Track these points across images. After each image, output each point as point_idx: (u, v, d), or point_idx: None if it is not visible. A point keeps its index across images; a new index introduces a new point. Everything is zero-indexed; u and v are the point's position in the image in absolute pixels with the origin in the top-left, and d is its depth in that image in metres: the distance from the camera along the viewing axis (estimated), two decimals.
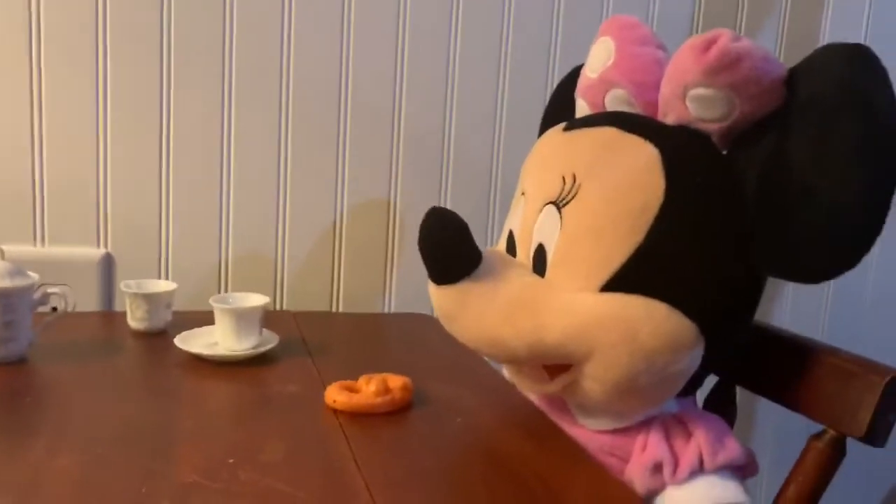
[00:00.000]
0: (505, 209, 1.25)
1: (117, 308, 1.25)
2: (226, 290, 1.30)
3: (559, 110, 1.04)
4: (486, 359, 0.99)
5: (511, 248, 0.88)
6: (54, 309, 1.03)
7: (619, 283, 0.75)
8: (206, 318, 1.08)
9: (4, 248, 1.17)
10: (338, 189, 1.33)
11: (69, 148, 1.20)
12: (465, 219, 0.79)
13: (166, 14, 1.20)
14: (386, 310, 1.39)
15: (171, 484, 0.64)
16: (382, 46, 1.31)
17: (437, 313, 0.83)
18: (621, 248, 0.76)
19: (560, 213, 0.79)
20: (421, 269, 0.81)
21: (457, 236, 0.78)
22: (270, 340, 1.02)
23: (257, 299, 1.02)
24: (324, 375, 0.94)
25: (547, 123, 1.09)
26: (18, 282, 0.90)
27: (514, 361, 0.84)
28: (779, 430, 1.56)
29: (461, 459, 0.76)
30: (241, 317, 0.97)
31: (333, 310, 1.36)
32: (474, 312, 0.78)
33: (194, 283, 1.27)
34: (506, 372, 1.05)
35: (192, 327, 1.04)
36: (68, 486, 0.63)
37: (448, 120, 1.36)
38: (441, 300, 0.81)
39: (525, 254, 0.84)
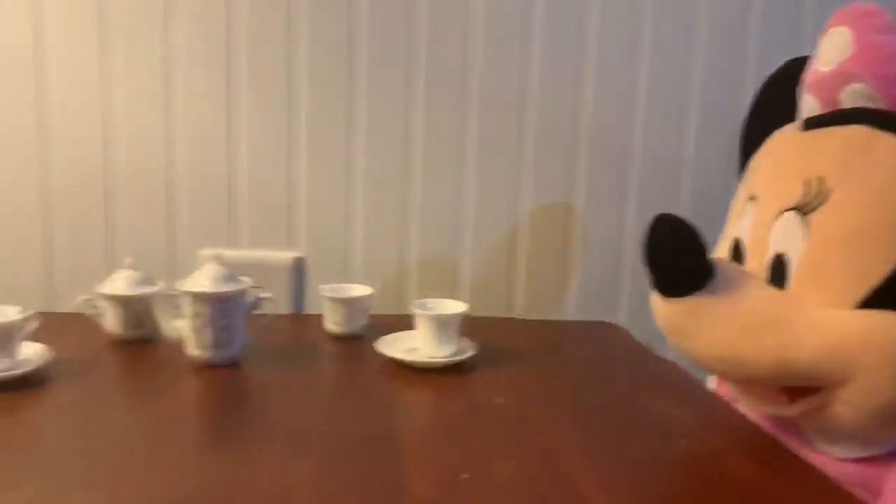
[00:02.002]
0: (695, 215, 1.18)
1: (308, 309, 1.27)
2: (410, 293, 1.30)
3: (773, 108, 0.96)
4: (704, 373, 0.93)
5: (736, 256, 0.82)
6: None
7: (880, 298, 0.68)
8: (399, 322, 1.08)
9: (202, 252, 1.23)
10: (519, 194, 1.30)
11: (263, 157, 1.23)
12: None
13: (357, 19, 1.22)
14: (565, 316, 1.35)
15: (412, 499, 0.62)
16: (566, 50, 1.27)
17: (662, 327, 0.78)
18: (883, 260, 0.68)
19: (805, 220, 0.73)
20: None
21: (689, 246, 0.73)
22: (469, 348, 1.00)
23: (456, 306, 1.01)
24: (524, 386, 0.92)
25: (756, 123, 1.01)
26: (234, 286, 0.92)
27: (753, 381, 0.78)
28: None
29: (690, 482, 0.70)
30: (443, 323, 0.96)
31: (512, 315, 1.34)
32: (708, 328, 0.73)
33: (379, 286, 1.28)
34: (711, 384, 0.99)
35: (386, 331, 1.05)
36: (309, 497, 0.63)
37: (634, 123, 1.30)
38: (669, 314, 0.76)
39: (757, 263, 0.78)
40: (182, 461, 0.68)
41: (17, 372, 0.84)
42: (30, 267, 1.21)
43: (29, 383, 0.85)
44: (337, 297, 1.07)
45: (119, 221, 1.22)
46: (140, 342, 1.01)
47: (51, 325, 0.94)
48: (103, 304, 1.00)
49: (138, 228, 1.22)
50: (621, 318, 1.36)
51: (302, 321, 1.19)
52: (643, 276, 1.33)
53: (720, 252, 0.86)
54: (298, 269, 1.26)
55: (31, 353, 0.89)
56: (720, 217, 0.99)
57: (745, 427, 0.83)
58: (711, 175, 1.33)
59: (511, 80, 1.26)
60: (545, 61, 1.27)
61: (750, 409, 0.83)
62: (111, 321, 1.00)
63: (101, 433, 0.74)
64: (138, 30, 1.18)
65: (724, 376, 0.78)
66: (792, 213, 0.74)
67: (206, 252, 1.22)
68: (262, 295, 0.96)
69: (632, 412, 0.85)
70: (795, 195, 0.74)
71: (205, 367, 0.93)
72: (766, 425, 0.83)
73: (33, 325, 0.89)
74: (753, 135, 0.92)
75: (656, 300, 0.76)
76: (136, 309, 0.99)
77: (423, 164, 1.27)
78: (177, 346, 0.96)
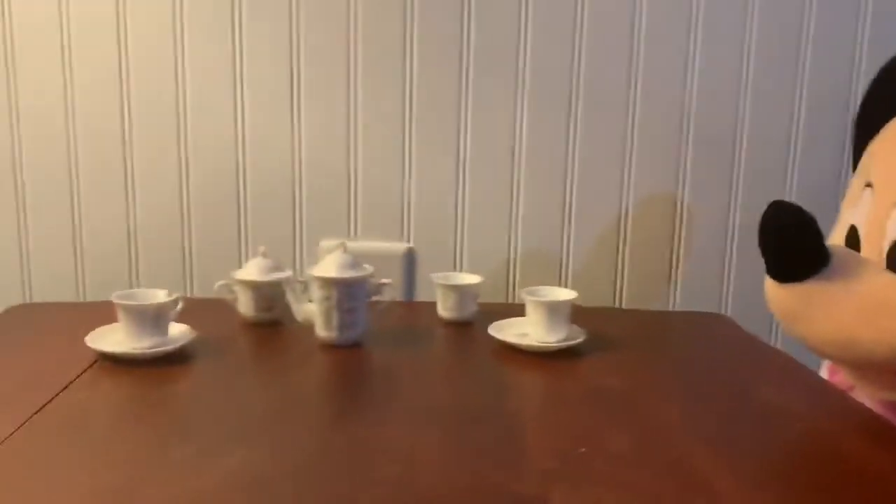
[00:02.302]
0: (807, 207, 1.17)
1: (418, 297, 1.33)
2: (514, 283, 1.34)
3: (889, 96, 0.96)
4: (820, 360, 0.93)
5: (852, 244, 0.82)
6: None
7: None
8: (506, 310, 1.13)
9: (322, 242, 1.31)
10: (624, 183, 1.32)
11: (380, 154, 1.30)
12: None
13: (466, 23, 1.27)
14: (670, 307, 1.36)
15: (534, 469, 0.67)
16: (672, 42, 1.28)
17: (776, 312, 0.79)
18: None
19: None
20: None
21: (805, 231, 0.74)
22: (579, 334, 1.03)
23: (567, 294, 1.04)
24: (636, 371, 0.94)
25: (872, 111, 1.00)
26: (358, 273, 0.99)
27: (869, 365, 0.78)
28: None
29: (808, 463, 0.72)
30: (554, 310, 1.00)
31: (616, 305, 1.36)
32: (824, 313, 0.74)
33: (485, 275, 1.32)
34: (825, 372, 0.98)
35: (494, 318, 1.09)
36: (439, 462, 0.68)
37: (741, 113, 1.30)
38: (784, 299, 0.77)
39: (875, 250, 0.78)
40: (320, 425, 0.75)
41: (168, 348, 0.93)
42: (172, 257, 1.32)
43: (176, 359, 0.93)
44: (449, 284, 1.12)
45: (249, 215, 1.31)
46: (270, 324, 1.09)
47: (192, 309, 1.03)
48: (238, 288, 1.08)
49: (266, 221, 1.31)
50: (727, 310, 1.36)
51: (415, 307, 1.25)
52: (749, 267, 1.33)
53: (835, 239, 0.86)
54: (410, 259, 1.32)
55: (177, 332, 0.97)
56: (829, 207, 0.99)
57: (861, 412, 0.83)
58: (820, 164, 1.31)
59: (616, 72, 1.29)
60: (650, 53, 1.28)
61: (866, 395, 0.83)
62: (244, 305, 1.08)
63: (243, 402, 0.82)
64: (265, 36, 1.27)
65: (839, 361, 0.78)
66: None
67: (326, 243, 1.30)
68: (383, 281, 1.03)
69: (743, 397, 0.86)
70: None
71: (330, 348, 1.00)
72: (883, 412, 0.83)
73: (179, 307, 0.98)
74: (868, 123, 0.91)
75: (771, 285, 0.78)
76: (267, 293, 1.07)
77: (528, 157, 1.31)
78: (304, 327, 1.03)
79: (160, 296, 0.95)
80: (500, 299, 1.34)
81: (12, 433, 0.71)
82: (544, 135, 1.30)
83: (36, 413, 0.76)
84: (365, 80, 1.28)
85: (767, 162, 1.31)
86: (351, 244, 1.31)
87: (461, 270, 1.32)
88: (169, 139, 1.29)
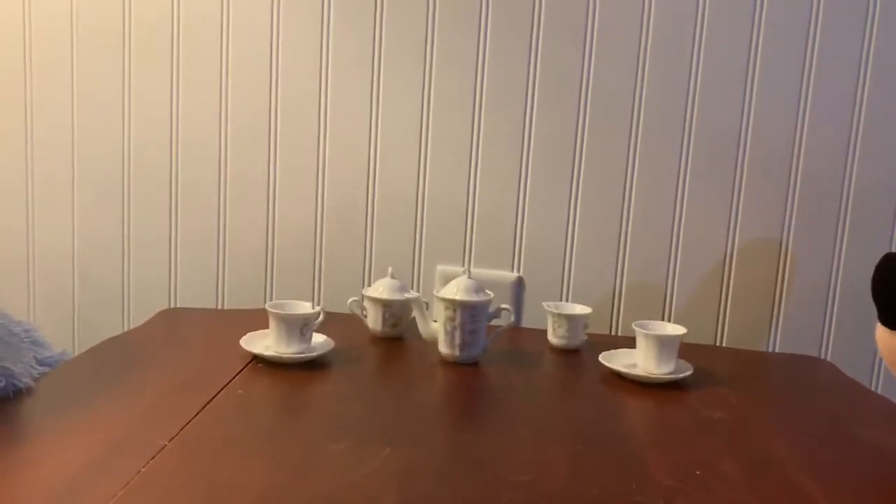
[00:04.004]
0: None
1: (525, 324, 1.41)
2: (618, 316, 1.40)
3: None
4: None
5: None
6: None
7: None
8: (612, 341, 1.19)
9: (439, 267, 1.40)
10: (730, 224, 1.37)
11: (497, 187, 1.39)
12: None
13: (587, 67, 1.35)
14: (770, 348, 1.40)
15: (654, 485, 0.73)
16: (784, 91, 1.33)
17: (886, 357, 0.84)
18: None
19: None
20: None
21: None
22: (685, 368, 1.09)
23: (675, 329, 1.10)
24: (742, 406, 0.99)
25: None
26: (482, 297, 1.08)
27: None
28: None
29: None
30: (664, 343, 1.06)
31: (717, 343, 1.40)
32: None
33: (591, 306, 1.39)
34: None
35: (602, 347, 1.16)
36: (565, 473, 0.75)
37: (849, 162, 1.34)
38: (894, 345, 0.81)
39: None
40: (451, 432, 0.84)
41: (313, 354, 1.03)
42: (308, 277, 1.44)
43: (318, 365, 1.04)
44: (561, 312, 1.19)
45: (375, 239, 1.42)
46: (395, 339, 1.19)
47: (326, 322, 1.14)
48: (368, 305, 1.19)
49: (390, 246, 1.42)
50: (827, 355, 1.39)
51: (525, 334, 1.33)
52: (851, 313, 1.36)
53: None
54: (519, 288, 1.40)
55: (319, 341, 1.08)
56: None
57: None
58: None
59: (727, 113, 1.34)
60: (761, 95, 1.33)
61: None
62: (373, 320, 1.18)
63: (382, 407, 0.91)
64: (400, 78, 1.38)
65: None
66: None
67: (442, 268, 1.40)
68: (502, 306, 1.11)
69: (847, 437, 0.90)
70: None
71: (451, 364, 1.09)
72: None
73: (321, 319, 1.08)
74: None
75: (882, 332, 0.82)
76: (394, 311, 1.17)
77: (637, 193, 1.37)
78: (427, 344, 1.13)
79: (306, 307, 1.06)
80: (604, 330, 1.41)
81: (188, 422, 0.82)
82: (654, 174, 1.37)
83: (207, 404, 0.87)
84: (487, 122, 1.38)
85: (872, 210, 1.34)
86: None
87: (567, 300, 1.39)
88: (309, 162, 1.41)
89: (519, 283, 1.41)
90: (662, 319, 1.40)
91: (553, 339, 1.21)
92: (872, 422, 0.97)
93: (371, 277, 1.42)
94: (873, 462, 0.84)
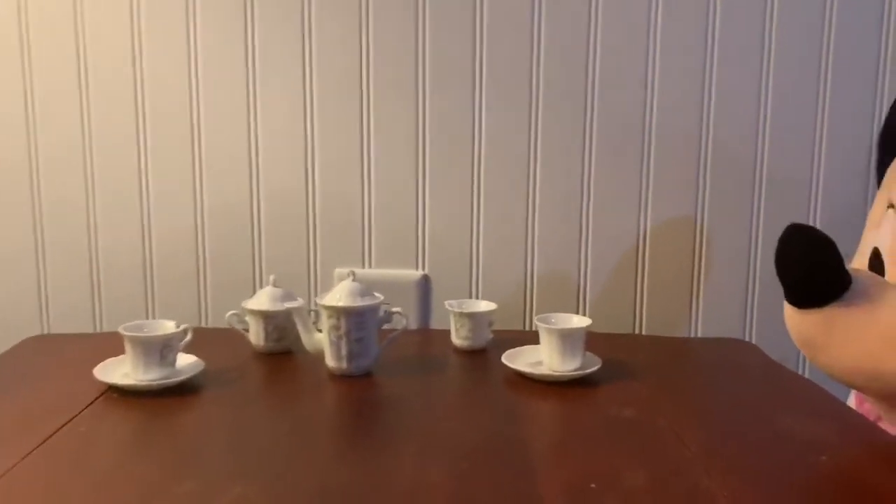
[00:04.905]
0: (828, 227, 1.14)
1: (433, 325, 1.32)
2: (531, 309, 1.32)
3: None
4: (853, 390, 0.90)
5: (876, 267, 0.79)
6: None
7: None
8: (522, 337, 1.11)
9: (337, 270, 1.30)
10: (641, 209, 1.30)
11: (393, 180, 1.29)
12: None
13: (479, 49, 1.26)
14: (691, 334, 1.33)
15: None
16: (689, 65, 1.26)
17: (795, 339, 0.76)
18: None
19: None
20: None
21: (824, 254, 0.71)
22: (594, 362, 1.00)
23: (580, 321, 1.01)
24: (655, 401, 0.91)
25: (895, 126, 0.97)
26: (368, 301, 0.97)
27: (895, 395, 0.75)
28: None
29: (836, 500, 0.68)
30: (567, 338, 0.97)
31: (636, 332, 1.33)
32: (846, 340, 0.71)
33: (501, 302, 1.30)
34: (853, 401, 0.95)
35: (509, 345, 1.07)
36: (444, 498, 0.65)
37: (760, 135, 1.28)
38: (803, 326, 0.74)
39: None
40: (323, 460, 0.73)
41: (175, 380, 0.92)
42: (185, 287, 1.31)
43: (185, 390, 0.92)
44: (462, 311, 1.10)
45: (264, 245, 1.30)
46: (281, 354, 1.08)
47: (203, 339, 1.02)
48: (249, 319, 1.07)
49: (281, 251, 1.30)
50: (751, 337, 1.32)
51: (429, 335, 1.23)
52: (774, 292, 1.29)
53: (857, 263, 0.83)
54: (424, 287, 1.31)
55: (186, 363, 0.97)
56: (854, 230, 0.96)
57: (891, 444, 0.79)
58: (845, 187, 1.28)
59: (633, 95, 1.27)
60: (667, 77, 1.26)
61: (894, 426, 0.80)
62: (255, 335, 1.07)
63: (249, 435, 0.80)
64: (278, 65, 1.27)
65: (863, 390, 0.75)
66: None
67: (340, 271, 1.29)
68: (393, 309, 1.01)
69: (766, 427, 0.83)
70: None
71: (340, 378, 0.98)
72: None
73: (188, 339, 0.97)
74: (892, 141, 0.88)
75: (790, 312, 0.75)
76: (277, 323, 1.06)
77: (543, 181, 1.29)
78: (315, 357, 1.02)
79: (168, 327, 0.94)
80: (518, 326, 1.32)
81: (14, 466, 0.70)
82: (559, 159, 1.28)
83: (39, 446, 0.75)
84: (377, 109, 1.27)
85: (789, 184, 1.28)
86: (366, 272, 1.30)
87: (478, 297, 1.30)
88: (184, 165, 1.29)
89: (425, 282, 1.31)
90: (577, 311, 1.32)
91: (456, 340, 1.12)
92: (795, 408, 0.90)
93: (263, 286, 1.31)
94: (793, 454, 0.76)
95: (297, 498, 0.66)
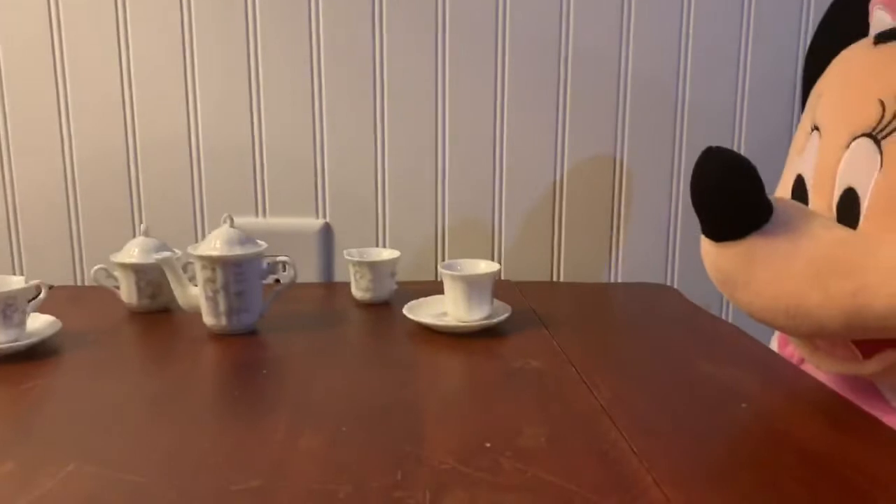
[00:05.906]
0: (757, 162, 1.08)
1: (336, 278, 1.22)
2: (443, 260, 1.23)
3: (840, 30, 0.85)
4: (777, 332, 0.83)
5: (800, 196, 0.72)
6: (277, 280, 1.01)
7: None
8: (430, 288, 1.02)
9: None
10: (557, 148, 1.21)
11: (289, 125, 1.17)
12: None
13: None
14: (612, 279, 1.26)
15: (427, 470, 0.55)
16: None
17: (713, 276, 0.69)
18: None
19: (879, 147, 0.63)
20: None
21: (742, 183, 0.63)
22: (502, 311, 0.92)
23: (488, 266, 0.93)
24: (566, 350, 0.84)
25: (821, 47, 0.90)
26: (249, 249, 0.87)
27: (821, 335, 0.68)
28: None
29: (757, 450, 0.62)
30: (473, 285, 0.88)
31: (554, 279, 1.26)
32: (767, 275, 0.64)
33: (412, 253, 1.21)
34: (775, 345, 0.89)
35: (415, 297, 0.98)
36: (315, 467, 0.56)
37: (682, 66, 1.20)
38: (721, 260, 0.67)
39: (825, 201, 0.68)
40: (186, 430, 0.63)
41: (22, 343, 0.79)
42: (56, 241, 1.18)
43: (36, 354, 0.80)
44: (362, 260, 1.00)
45: (143, 193, 1.17)
46: (157, 313, 0.96)
47: (69, 297, 0.90)
48: (118, 273, 0.95)
49: (165, 199, 1.18)
50: (673, 281, 1.27)
51: (328, 289, 1.13)
52: (696, 234, 1.23)
53: (780, 192, 0.76)
54: (327, 237, 1.20)
55: (40, 324, 0.84)
56: (778, 162, 0.89)
57: (814, 388, 0.74)
58: (769, 119, 1.22)
59: (547, 27, 1.17)
60: (583, 6, 1.17)
61: (819, 369, 0.74)
62: (126, 292, 0.95)
63: (100, 404, 0.69)
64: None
65: (786, 331, 0.68)
66: (864, 139, 0.64)
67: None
68: (279, 258, 0.90)
69: (686, 375, 0.76)
70: (868, 119, 0.64)
71: (220, 337, 0.88)
72: (837, 387, 0.74)
73: (42, 296, 0.85)
74: (818, 60, 0.81)
75: (706, 246, 0.68)
76: (151, 278, 0.95)
77: (452, 120, 1.19)
78: (194, 316, 0.91)
79: (14, 282, 0.82)
80: (429, 278, 1.23)
81: None
82: (468, 98, 1.18)
83: None
84: (265, 40, 1.15)
85: (712, 118, 1.21)
86: (259, 221, 1.19)
87: (384, 247, 1.20)
88: (50, 108, 1.14)
89: (326, 231, 1.20)
90: (492, 258, 1.23)
91: (357, 292, 1.02)
92: (715, 354, 0.83)
93: None
94: (711, 403, 0.69)
95: (140, 473, 0.55)
